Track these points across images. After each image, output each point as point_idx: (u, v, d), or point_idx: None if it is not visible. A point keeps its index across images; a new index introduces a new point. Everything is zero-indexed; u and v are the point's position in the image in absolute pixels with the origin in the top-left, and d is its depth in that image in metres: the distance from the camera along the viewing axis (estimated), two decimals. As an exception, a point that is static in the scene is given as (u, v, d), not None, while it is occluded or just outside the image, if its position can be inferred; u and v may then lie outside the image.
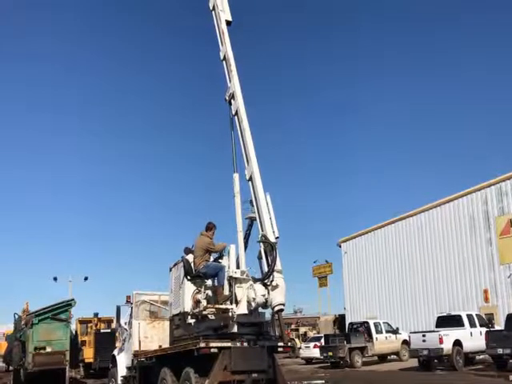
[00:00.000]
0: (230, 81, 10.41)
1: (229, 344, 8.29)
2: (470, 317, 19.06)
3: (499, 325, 19.76)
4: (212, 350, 8.16)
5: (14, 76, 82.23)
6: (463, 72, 76.02)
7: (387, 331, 23.10)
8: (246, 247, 9.39)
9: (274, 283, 8.33)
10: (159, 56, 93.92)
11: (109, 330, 22.36)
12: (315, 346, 24.86)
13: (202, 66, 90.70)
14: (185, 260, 9.35)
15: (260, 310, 8.78)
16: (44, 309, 17.19)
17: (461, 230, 27.30)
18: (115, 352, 13.37)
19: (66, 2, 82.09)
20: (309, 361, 26.06)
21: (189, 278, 9.19)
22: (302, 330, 38.94)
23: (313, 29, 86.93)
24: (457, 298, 26.89)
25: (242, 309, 8.35)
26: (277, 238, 8.75)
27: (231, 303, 8.42)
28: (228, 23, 11.24)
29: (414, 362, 19.41)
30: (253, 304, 8.34)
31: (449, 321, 18.99)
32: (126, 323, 12.90)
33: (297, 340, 34.18)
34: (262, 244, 8.76)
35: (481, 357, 19.14)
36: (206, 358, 8.28)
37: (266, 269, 8.60)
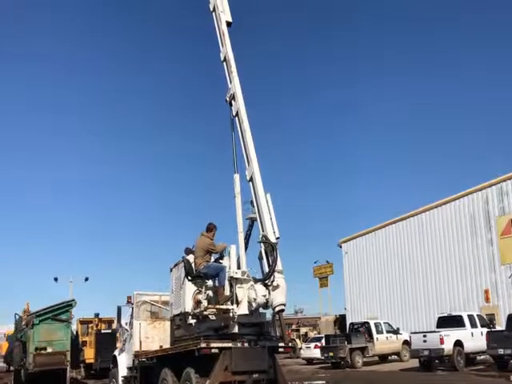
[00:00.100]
0: (230, 82, 10.43)
1: (230, 344, 8.29)
2: (470, 317, 19.04)
3: (500, 325, 19.76)
4: (213, 351, 8.16)
5: (14, 76, 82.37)
6: (463, 72, 76.16)
7: (388, 331, 23.09)
8: (246, 248, 9.41)
9: (274, 283, 8.34)
10: (159, 56, 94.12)
11: (109, 331, 22.39)
12: (316, 347, 24.86)
13: (203, 67, 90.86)
14: (185, 260, 9.35)
15: (261, 310, 8.79)
16: (45, 309, 17.20)
17: (461, 230, 27.29)
18: (116, 352, 13.38)
19: (66, 2, 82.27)
20: (310, 361, 26.05)
21: (189, 278, 9.19)
22: (303, 330, 38.92)
23: (313, 29, 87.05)
24: (458, 298, 26.87)
25: (243, 309, 8.36)
26: (277, 238, 8.76)
27: (232, 304, 8.43)
28: (228, 24, 11.25)
29: (415, 363, 19.40)
30: (253, 304, 8.35)
31: (450, 321, 18.98)
32: (126, 323, 12.91)
33: (297, 340, 34.17)
34: (262, 244, 8.77)
35: (482, 357, 19.11)
36: (206, 359, 8.29)
37: (266, 269, 8.61)
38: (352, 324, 24.76)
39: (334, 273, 39.82)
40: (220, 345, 8.24)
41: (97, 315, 24.78)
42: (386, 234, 32.53)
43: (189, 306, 9.14)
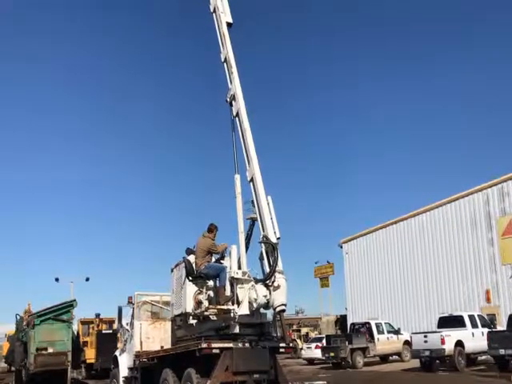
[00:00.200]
0: (230, 82, 10.46)
1: (230, 345, 8.30)
2: (471, 317, 19.02)
3: (501, 325, 19.73)
4: (214, 351, 8.18)
5: (13, 76, 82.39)
6: (463, 72, 76.02)
7: (389, 332, 23.07)
8: (247, 248, 9.42)
9: (275, 284, 8.37)
10: (159, 57, 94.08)
11: (110, 331, 22.38)
12: (317, 347, 24.85)
13: (203, 68, 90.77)
14: (186, 261, 9.36)
15: (262, 310, 8.80)
16: (46, 309, 17.22)
17: (462, 230, 27.27)
18: (117, 353, 13.38)
19: (66, 2, 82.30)
20: (310, 361, 26.04)
21: (190, 278, 9.20)
22: (304, 330, 38.87)
23: (313, 29, 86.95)
24: (458, 298, 26.86)
25: (244, 309, 8.37)
26: (278, 238, 8.78)
27: (233, 304, 8.44)
28: (229, 25, 11.27)
29: (416, 363, 19.39)
30: (254, 305, 8.37)
31: (451, 321, 18.95)
32: (127, 324, 12.91)
33: (298, 341, 34.15)
34: (263, 245, 8.80)
35: (483, 357, 19.10)
36: (207, 359, 8.31)
37: (267, 269, 8.64)
38: (353, 324, 24.75)
39: (335, 273, 39.87)
40: (221, 345, 8.25)
41: (98, 315, 24.79)
42: (386, 234, 32.52)
43: (190, 307, 9.15)
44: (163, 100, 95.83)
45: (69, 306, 17.55)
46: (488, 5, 72.93)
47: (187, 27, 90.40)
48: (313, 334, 35.63)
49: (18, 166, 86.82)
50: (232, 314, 8.39)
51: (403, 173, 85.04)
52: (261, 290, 8.42)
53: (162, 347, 11.07)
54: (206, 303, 8.74)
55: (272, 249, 8.61)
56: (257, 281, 8.65)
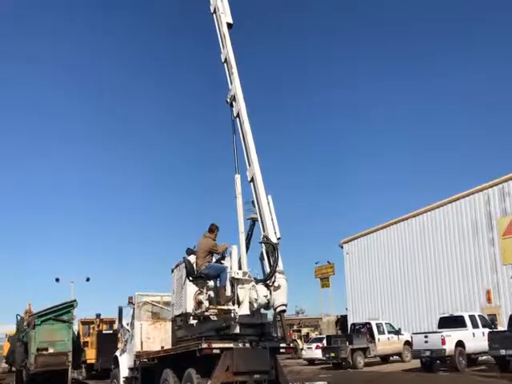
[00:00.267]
0: (231, 83, 10.46)
1: (231, 345, 8.30)
2: (472, 317, 19.01)
3: (502, 325, 19.70)
4: (214, 351, 8.17)
5: (13, 77, 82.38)
6: (464, 71, 75.99)
7: (389, 332, 23.07)
8: (247, 248, 9.41)
9: (276, 284, 8.37)
10: (160, 58, 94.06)
11: (111, 331, 22.39)
12: (317, 347, 24.84)
13: (203, 68, 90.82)
14: (187, 261, 9.36)
15: (262, 310, 8.80)
16: (46, 310, 17.23)
17: (463, 230, 27.26)
18: (117, 353, 13.37)
19: (66, 2, 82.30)
20: (311, 362, 26.04)
21: (191, 278, 9.20)
22: (304, 330, 38.87)
23: (313, 29, 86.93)
24: (459, 298, 26.84)
25: (244, 310, 8.36)
26: (278, 238, 8.78)
27: (233, 304, 8.44)
28: (229, 26, 11.27)
29: (417, 363, 19.38)
30: (255, 305, 8.36)
31: (451, 321, 18.93)
32: (128, 324, 12.91)
33: (299, 341, 34.14)
34: (263, 245, 8.80)
35: (483, 358, 19.08)
36: (208, 359, 8.30)
37: (267, 270, 8.64)
38: (353, 324, 24.74)
39: (336, 273, 39.83)
40: (221, 345, 8.24)
41: (98, 316, 24.79)
42: (387, 234, 32.52)
43: (190, 307, 9.15)
44: (163, 100, 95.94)
45: (69, 306, 17.56)
46: (488, 5, 73.04)
47: (187, 27, 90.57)
48: (313, 335, 35.63)
49: (18, 166, 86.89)
50: (232, 315, 8.39)
51: (403, 173, 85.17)
52: (261, 290, 8.42)
53: (162, 347, 11.07)
54: (206, 303, 8.73)
55: (272, 249, 8.61)
56: (257, 281, 8.65)
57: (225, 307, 8.48)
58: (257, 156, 9.57)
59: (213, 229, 9.46)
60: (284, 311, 8.54)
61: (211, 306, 8.64)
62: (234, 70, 10.46)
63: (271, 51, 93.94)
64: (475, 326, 18.62)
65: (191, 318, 9.36)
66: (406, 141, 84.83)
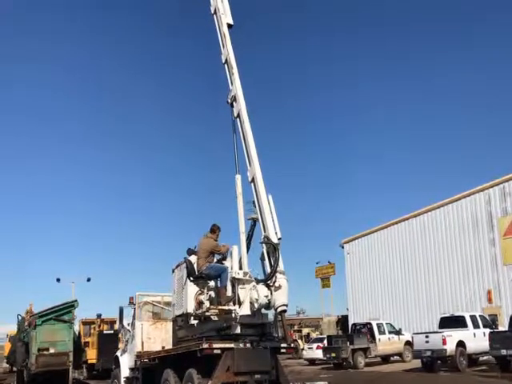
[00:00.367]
0: (231, 84, 10.46)
1: (232, 345, 8.31)
2: (473, 318, 19.00)
3: (503, 325, 19.69)
4: (215, 351, 8.18)
5: (13, 77, 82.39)
6: (464, 71, 75.93)
7: (390, 332, 23.07)
8: (248, 248, 9.42)
9: (276, 284, 8.37)
10: (160, 58, 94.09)
11: (112, 331, 22.41)
12: (318, 347, 24.84)
13: (203, 68, 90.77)
14: (187, 261, 9.37)
15: (263, 311, 8.80)
16: (47, 310, 17.23)
17: (464, 230, 27.25)
18: (118, 353, 13.38)
19: (66, 2, 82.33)
20: (312, 362, 26.04)
21: (191, 279, 9.21)
22: (305, 330, 38.85)
23: (313, 29, 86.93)
24: (460, 298, 26.83)
25: (245, 310, 8.37)
26: (279, 239, 8.79)
27: (234, 304, 8.45)
28: (229, 26, 11.28)
29: (417, 363, 19.37)
30: (256, 305, 8.37)
31: (452, 322, 18.92)
32: (128, 324, 12.92)
33: (300, 341, 34.12)
34: (264, 245, 8.80)
35: (484, 358, 19.07)
36: (208, 359, 8.31)
37: (268, 270, 8.65)
38: (354, 325, 24.74)
39: (336, 273, 39.82)
40: (222, 345, 8.25)
41: (99, 316, 24.81)
42: (388, 234, 32.51)
43: (191, 307, 9.16)
44: (163, 101, 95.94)
45: (70, 306, 17.56)
46: (488, 5, 72.99)
47: (187, 27, 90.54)
48: (314, 335, 35.60)
49: (18, 167, 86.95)
50: (233, 315, 8.40)
51: (404, 173, 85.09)
52: (262, 290, 8.42)
53: (163, 347, 11.09)
54: (207, 304, 8.74)
55: (273, 249, 8.61)
56: (258, 281, 8.66)
57: (226, 307, 8.48)
58: (257, 156, 9.58)
59: (214, 229, 9.46)
60: (285, 311, 8.55)
61: (212, 306, 8.64)
62: (235, 70, 10.47)
63: (271, 51, 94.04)
64: (476, 326, 18.61)
65: (192, 318, 9.37)
66: (406, 141, 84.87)
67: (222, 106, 10.70)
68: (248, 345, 8.45)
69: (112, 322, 23.80)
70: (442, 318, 19.81)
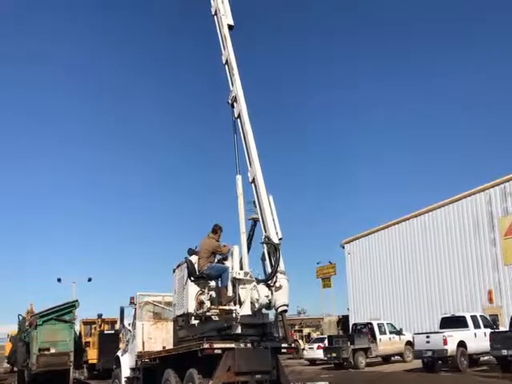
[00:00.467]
0: (232, 84, 10.47)
1: (232, 345, 8.32)
2: (474, 318, 19.00)
3: (504, 326, 19.69)
4: (216, 351, 8.18)
5: (13, 77, 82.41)
6: (464, 71, 75.88)
7: (391, 332, 23.06)
8: (249, 248, 9.43)
9: (277, 284, 8.37)
10: (159, 57, 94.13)
11: (112, 331, 22.39)
12: (319, 347, 24.83)
13: (203, 68, 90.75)
14: (188, 261, 9.38)
15: (263, 311, 8.81)
16: (48, 310, 17.24)
17: (465, 230, 27.24)
18: (119, 353, 13.38)
19: (66, 2, 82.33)
20: (312, 362, 26.03)
21: (192, 279, 9.22)
22: (306, 330, 38.85)
23: (313, 29, 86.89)
24: (461, 298, 26.82)
25: (246, 310, 8.38)
26: (280, 239, 8.78)
27: (235, 304, 8.46)
28: (230, 27, 11.28)
29: (418, 363, 19.37)
30: (256, 305, 8.38)
31: (453, 322, 18.92)
32: (129, 324, 12.92)
33: (300, 341, 34.11)
34: (265, 245, 8.80)
35: (485, 358, 19.05)
36: (209, 359, 8.31)
37: (269, 270, 8.65)
38: (355, 325, 24.73)
39: (337, 273, 39.83)
40: (223, 345, 8.26)
41: (100, 316, 24.83)
42: (389, 234, 32.50)
43: (192, 307, 9.17)
44: (163, 101, 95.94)
45: (71, 306, 17.58)
46: (488, 5, 72.95)
47: (187, 27, 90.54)
48: (315, 335, 35.59)
49: (18, 167, 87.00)
50: (234, 315, 8.40)
51: (404, 173, 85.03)
52: (263, 290, 8.43)
53: (164, 347, 11.10)
54: (208, 304, 8.75)
55: (274, 249, 8.62)
56: (259, 281, 8.66)
57: (226, 307, 8.49)
58: (258, 156, 9.58)
59: (216, 230, 9.47)
60: (285, 311, 8.55)
61: (213, 307, 8.65)
62: (235, 71, 10.47)
63: (271, 51, 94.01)
64: (477, 326, 18.60)
65: (193, 318, 9.38)
66: (406, 141, 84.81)
67: (223, 107, 10.73)
68: (249, 345, 8.45)
69: (113, 322, 23.81)
70: (442, 318, 19.80)
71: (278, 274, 8.46)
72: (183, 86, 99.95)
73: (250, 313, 8.41)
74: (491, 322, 18.99)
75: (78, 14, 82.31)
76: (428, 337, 18.10)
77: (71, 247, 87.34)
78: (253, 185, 9.47)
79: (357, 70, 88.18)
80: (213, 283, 9.22)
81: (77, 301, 18.14)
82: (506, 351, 15.56)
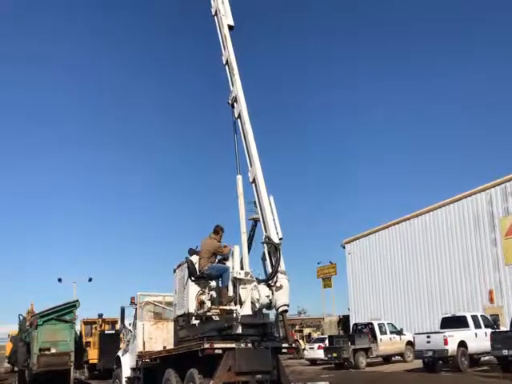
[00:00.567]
0: (232, 85, 10.47)
1: (233, 345, 8.32)
2: (474, 318, 18.99)
3: (504, 326, 19.68)
4: (216, 351, 8.19)
5: (13, 77, 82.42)
6: (464, 71, 75.84)
7: (391, 332, 23.05)
8: (249, 248, 9.44)
9: (278, 284, 8.37)
10: (159, 57, 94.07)
11: (113, 331, 22.42)
12: (319, 347, 24.84)
13: (203, 68, 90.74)
14: (189, 261, 9.38)
15: (264, 311, 8.80)
16: (48, 310, 17.27)
17: (465, 230, 27.22)
18: (119, 353, 13.39)
19: (66, 2, 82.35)
20: (313, 362, 26.03)
21: (193, 279, 9.22)
22: (306, 331, 38.88)
23: (313, 29, 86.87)
24: (461, 298, 26.80)
25: (246, 310, 8.38)
26: (280, 239, 8.78)
27: (235, 304, 8.46)
28: (230, 28, 11.28)
29: (419, 363, 19.36)
30: (257, 305, 8.38)
31: (454, 322, 18.91)
32: (130, 324, 12.92)
33: (301, 341, 34.12)
34: (265, 245, 8.80)
35: (486, 358, 19.04)
36: (210, 359, 8.31)
37: (269, 270, 8.64)
38: (355, 325, 24.73)
39: (338, 273, 39.85)
40: (223, 345, 8.26)
41: (100, 316, 24.84)
42: (389, 234, 32.50)
43: (192, 307, 9.17)
44: (163, 101, 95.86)
45: (71, 306, 17.60)
46: (488, 5, 72.85)
47: (187, 27, 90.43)
48: (315, 335, 35.60)
49: (18, 168, 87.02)
50: (234, 315, 8.41)
51: (404, 173, 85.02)
52: (263, 290, 8.43)
53: (164, 347, 11.10)
54: (208, 304, 8.76)
55: (274, 249, 8.61)
56: (259, 281, 8.66)
57: (227, 307, 8.50)
58: (258, 156, 9.58)
59: (218, 230, 9.48)
60: (286, 311, 8.54)
61: (213, 306, 8.66)
62: (236, 71, 10.47)
63: (271, 51, 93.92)
64: (477, 326, 18.59)
65: (193, 318, 9.38)
66: (406, 141, 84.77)
67: (223, 107, 10.73)
68: (249, 345, 8.45)
69: (113, 322, 23.82)
70: (443, 318, 19.80)
71: (279, 274, 8.45)
72: (183, 87, 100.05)
73: (250, 313, 8.41)
74: (492, 322, 18.98)
75: (78, 14, 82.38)
76: (429, 337, 18.09)
77: (71, 247, 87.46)
78: (253, 185, 9.47)
79: (357, 70, 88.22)
80: (213, 283, 9.22)
81: (77, 301, 18.16)
82: (506, 351, 15.54)
